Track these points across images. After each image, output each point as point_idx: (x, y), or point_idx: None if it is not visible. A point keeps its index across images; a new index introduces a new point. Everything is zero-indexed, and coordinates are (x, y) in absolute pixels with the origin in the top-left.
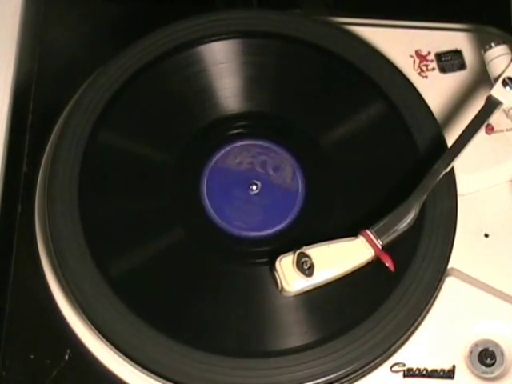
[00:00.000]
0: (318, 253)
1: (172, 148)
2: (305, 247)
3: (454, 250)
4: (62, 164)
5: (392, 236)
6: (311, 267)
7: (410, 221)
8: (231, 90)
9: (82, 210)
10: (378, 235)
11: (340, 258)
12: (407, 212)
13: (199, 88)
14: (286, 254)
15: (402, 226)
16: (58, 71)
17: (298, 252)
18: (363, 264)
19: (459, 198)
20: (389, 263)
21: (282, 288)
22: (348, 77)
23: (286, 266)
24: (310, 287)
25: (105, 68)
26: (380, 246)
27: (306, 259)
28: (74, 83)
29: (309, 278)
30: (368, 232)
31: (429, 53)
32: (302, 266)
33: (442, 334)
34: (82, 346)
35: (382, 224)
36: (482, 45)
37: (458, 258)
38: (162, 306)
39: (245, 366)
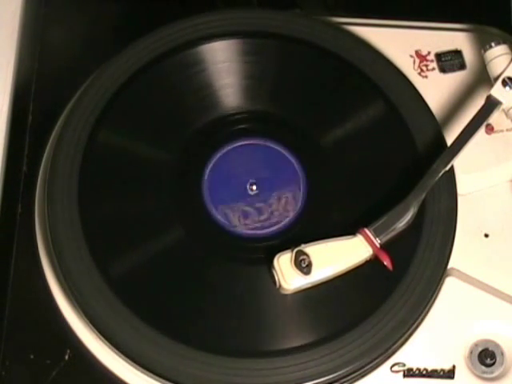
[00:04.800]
0: (316, 251)
1: (172, 148)
2: (303, 245)
3: (454, 250)
4: (62, 164)
5: (390, 235)
6: (309, 265)
7: (409, 220)
8: (231, 89)
9: (81, 210)
10: (377, 234)
11: (338, 256)
12: (406, 211)
13: (199, 88)
14: (284, 252)
15: (401, 224)
16: (58, 71)
17: (296, 250)
18: (361, 263)
19: (459, 198)
20: (387, 262)
21: (280, 286)
22: (348, 77)
23: (284, 263)
24: (308, 285)
25: (105, 68)
26: (378, 245)
27: (304, 257)
28: (74, 83)
29: (307, 276)
30: (366, 230)
31: (429, 53)
32: (300, 264)
33: (442, 334)
34: (81, 346)
35: (380, 223)
36: (482, 45)
37: (458, 258)
38: (162, 305)
39: (244, 366)
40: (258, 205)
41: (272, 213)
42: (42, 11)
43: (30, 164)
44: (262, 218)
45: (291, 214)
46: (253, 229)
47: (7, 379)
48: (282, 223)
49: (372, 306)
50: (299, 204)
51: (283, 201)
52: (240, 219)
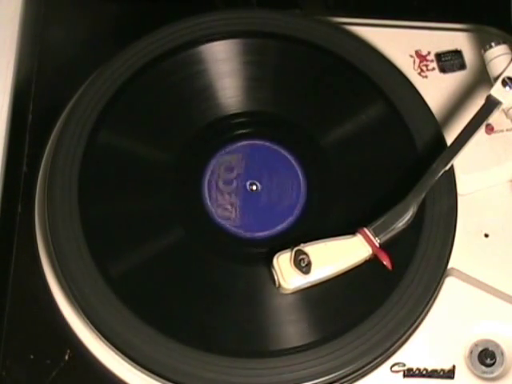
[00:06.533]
0: (316, 250)
1: (172, 148)
2: (302, 244)
3: (454, 250)
4: (61, 164)
5: (390, 234)
6: (309, 264)
7: (408, 219)
8: (231, 89)
9: (81, 210)
10: (376, 233)
11: (337, 255)
12: (405, 210)
13: (199, 88)
14: (283, 251)
15: (400, 224)
16: (58, 71)
17: (295, 249)
18: (361, 262)
19: (459, 198)
20: (386, 261)
21: (280, 285)
22: (348, 77)
23: (283, 263)
24: (308, 284)
25: (105, 68)
26: (378, 244)
27: (304, 256)
28: (74, 83)
29: (306, 276)
30: (366, 230)
31: (429, 53)
32: (300, 264)
33: (442, 334)
34: (81, 346)
35: (379, 222)
36: (482, 45)
37: (458, 258)
38: (162, 305)
39: (245, 365)
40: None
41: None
42: (42, 11)
43: (30, 164)
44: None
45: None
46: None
47: (7, 379)
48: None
49: (372, 305)
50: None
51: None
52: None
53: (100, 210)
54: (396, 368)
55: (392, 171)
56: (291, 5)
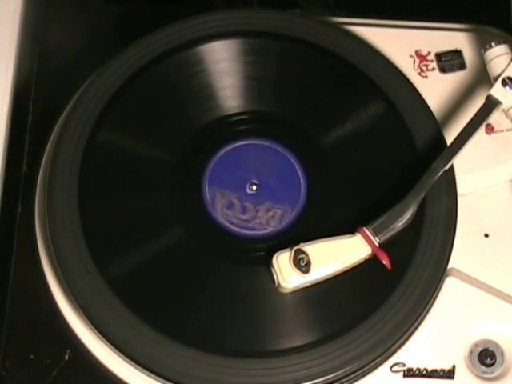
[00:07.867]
0: (315, 250)
1: (172, 148)
2: (302, 244)
3: (454, 250)
4: (61, 164)
5: (389, 234)
6: (308, 264)
7: (408, 219)
8: (231, 89)
9: (81, 210)
10: (375, 233)
11: (337, 255)
12: (405, 210)
13: (199, 88)
14: (283, 251)
15: (400, 224)
16: (58, 71)
17: (295, 249)
18: (360, 261)
19: (459, 198)
20: (385, 261)
21: (279, 284)
22: (348, 77)
23: (282, 262)
24: (307, 284)
25: (105, 68)
26: (377, 244)
27: (303, 256)
28: (74, 83)
29: (305, 275)
30: (365, 229)
31: (429, 53)
32: (299, 263)
33: (442, 334)
34: (81, 346)
35: (379, 222)
36: (482, 45)
37: (458, 258)
38: (162, 305)
39: (245, 366)
40: (247, 203)
41: (254, 218)
42: (42, 11)
43: (30, 164)
44: (243, 217)
45: (269, 229)
46: (229, 221)
47: (7, 379)
48: (263, 231)
49: (372, 305)
50: (282, 225)
51: (270, 214)
52: (223, 207)
53: (100, 210)
54: (396, 368)
55: (392, 171)
56: (291, 5)
